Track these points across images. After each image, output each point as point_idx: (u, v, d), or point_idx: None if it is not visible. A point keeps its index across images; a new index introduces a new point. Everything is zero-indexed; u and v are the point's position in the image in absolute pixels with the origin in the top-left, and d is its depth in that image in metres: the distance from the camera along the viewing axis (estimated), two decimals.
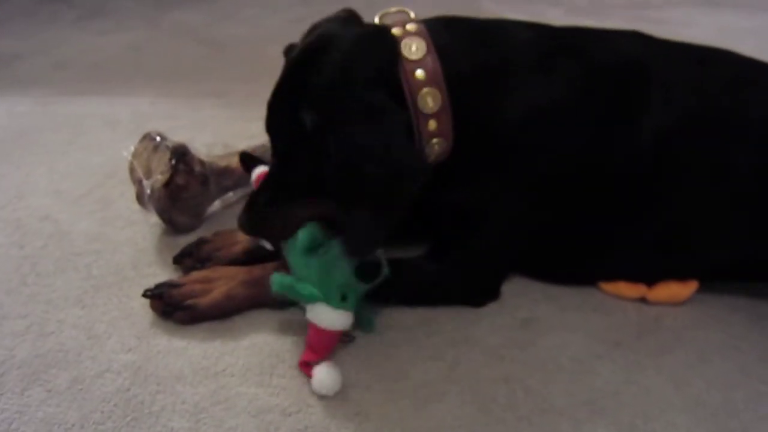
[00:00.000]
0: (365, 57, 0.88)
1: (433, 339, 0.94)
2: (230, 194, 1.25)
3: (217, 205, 1.23)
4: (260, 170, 1.07)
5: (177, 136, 1.19)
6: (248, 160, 1.10)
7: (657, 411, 0.84)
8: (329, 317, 0.87)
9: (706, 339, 0.97)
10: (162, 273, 1.07)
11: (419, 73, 0.89)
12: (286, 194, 0.92)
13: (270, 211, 0.93)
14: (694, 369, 0.91)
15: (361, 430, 0.80)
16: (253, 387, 0.86)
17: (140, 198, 1.14)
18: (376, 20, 0.97)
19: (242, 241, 1.06)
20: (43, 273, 1.08)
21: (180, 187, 1.11)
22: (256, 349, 0.92)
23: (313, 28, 0.95)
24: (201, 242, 1.07)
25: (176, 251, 1.07)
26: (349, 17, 0.95)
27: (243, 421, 0.81)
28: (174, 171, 1.10)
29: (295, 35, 0.96)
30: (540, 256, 1.04)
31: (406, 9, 0.96)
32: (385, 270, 0.89)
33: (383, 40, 0.91)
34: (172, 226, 1.15)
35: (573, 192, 0.97)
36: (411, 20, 0.94)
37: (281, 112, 0.90)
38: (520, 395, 0.86)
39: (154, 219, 1.15)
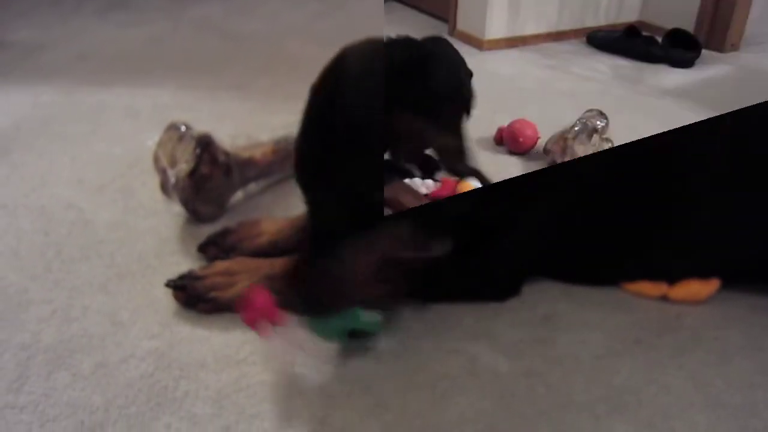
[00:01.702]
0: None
1: (454, 333, 0.95)
2: (252, 185, 1.26)
3: (239, 195, 1.24)
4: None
5: (198, 128, 1.20)
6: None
7: (677, 409, 0.84)
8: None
9: (726, 338, 0.96)
10: (184, 262, 1.08)
11: None
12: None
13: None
14: (715, 368, 0.91)
15: (380, 422, 0.81)
16: (274, 375, 0.87)
17: (164, 187, 1.15)
18: None
19: (266, 232, 1.07)
20: (67, 260, 1.09)
21: (204, 177, 1.12)
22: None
23: None
24: (226, 232, 1.08)
25: (198, 240, 1.09)
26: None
27: (264, 409, 0.82)
28: (198, 161, 1.11)
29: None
30: (562, 257, 1.04)
31: None
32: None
33: None
34: (195, 215, 1.16)
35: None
36: None
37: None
38: (540, 390, 0.86)
39: (176, 208, 1.16)
